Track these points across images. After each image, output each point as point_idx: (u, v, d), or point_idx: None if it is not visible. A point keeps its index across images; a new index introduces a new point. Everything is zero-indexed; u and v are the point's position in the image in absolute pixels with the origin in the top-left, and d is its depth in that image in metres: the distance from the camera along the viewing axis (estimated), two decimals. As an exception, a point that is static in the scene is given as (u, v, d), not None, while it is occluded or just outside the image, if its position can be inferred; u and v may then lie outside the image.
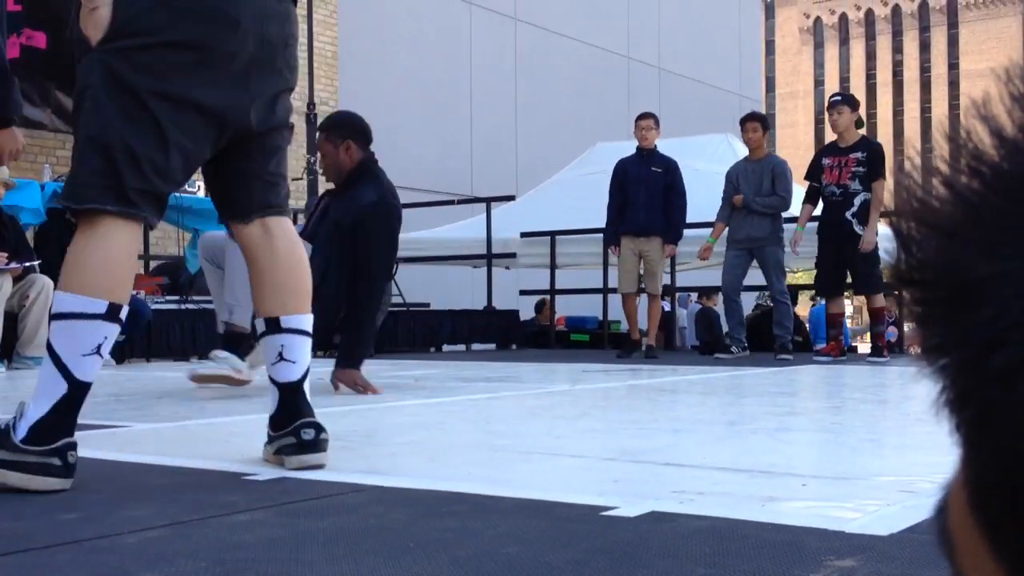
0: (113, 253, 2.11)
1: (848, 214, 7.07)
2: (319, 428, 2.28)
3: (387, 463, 2.40)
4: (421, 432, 3.07)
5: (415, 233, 11.91)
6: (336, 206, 4.53)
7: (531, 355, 8.63)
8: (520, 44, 17.89)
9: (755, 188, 7.65)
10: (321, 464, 2.26)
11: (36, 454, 2.00)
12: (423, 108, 15.83)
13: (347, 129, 4.62)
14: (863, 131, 7.34)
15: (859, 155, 7.10)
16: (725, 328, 8.78)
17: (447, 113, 16.34)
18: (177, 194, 7.93)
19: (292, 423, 2.27)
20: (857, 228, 7.02)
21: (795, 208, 7.86)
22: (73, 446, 2.05)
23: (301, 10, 13.74)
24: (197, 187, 8.36)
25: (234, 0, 2.18)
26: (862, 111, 7.42)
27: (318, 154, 4.67)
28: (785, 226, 7.89)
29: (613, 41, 19.72)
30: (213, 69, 2.17)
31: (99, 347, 2.10)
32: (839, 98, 7.37)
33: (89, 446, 2.59)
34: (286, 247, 2.34)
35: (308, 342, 2.36)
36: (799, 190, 7.93)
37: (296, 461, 2.24)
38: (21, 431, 2.02)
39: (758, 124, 7.74)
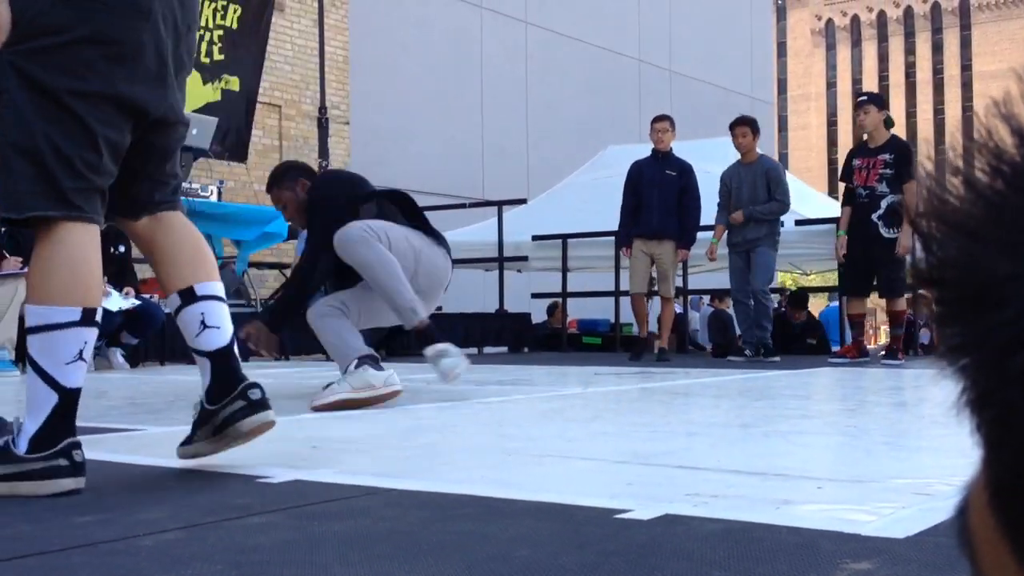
0: (75, 257, 2.09)
1: (874, 216, 7.02)
2: (261, 387, 2.27)
3: (400, 466, 2.40)
4: (434, 435, 3.07)
5: (427, 236, 11.91)
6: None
7: (543, 358, 8.63)
8: (531, 47, 17.91)
9: (749, 191, 7.68)
10: (273, 422, 2.29)
11: (41, 459, 2.01)
12: (434, 112, 15.86)
13: (292, 172, 4.63)
14: (893, 130, 7.24)
15: (887, 156, 7.03)
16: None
17: (458, 116, 16.36)
18: (189, 199, 7.99)
19: (235, 387, 2.24)
20: (883, 231, 6.98)
21: (799, 208, 7.87)
22: (77, 445, 2.05)
23: (312, 15, 13.76)
24: (211, 191, 8.39)
25: None
26: (877, 113, 7.37)
27: (285, 204, 4.55)
28: (782, 229, 7.93)
29: (624, 43, 19.72)
30: (129, 62, 2.13)
31: (81, 352, 2.09)
32: (865, 98, 7.31)
33: (103, 449, 2.60)
34: (182, 227, 2.33)
35: (226, 308, 2.34)
36: (799, 188, 7.92)
37: (253, 422, 2.23)
38: (22, 446, 2.02)
39: (747, 128, 7.74)
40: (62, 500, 1.96)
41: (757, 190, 7.66)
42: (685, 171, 7.79)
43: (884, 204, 6.97)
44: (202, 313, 2.26)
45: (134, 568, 1.40)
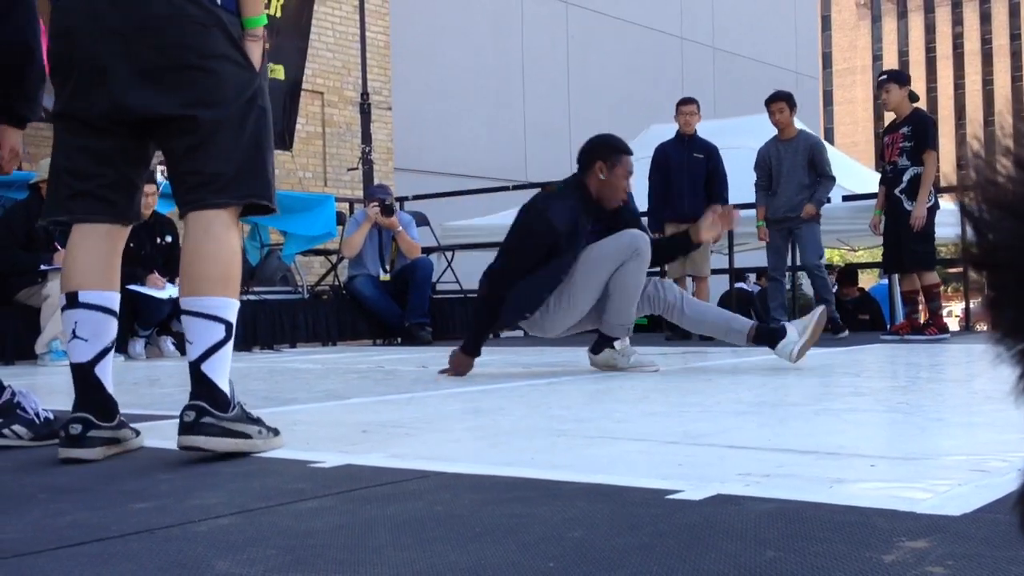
0: (72, 253, 2.42)
1: (897, 191, 7.06)
2: (200, 410, 2.24)
3: (450, 449, 2.41)
4: (482, 418, 3.08)
5: (470, 220, 11.93)
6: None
7: (589, 339, 8.61)
8: (572, 28, 17.82)
9: (789, 168, 7.60)
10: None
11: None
12: (476, 95, 15.85)
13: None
14: (917, 103, 7.24)
15: (906, 130, 7.04)
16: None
17: (500, 99, 16.34)
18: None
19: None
20: (906, 204, 7.00)
21: (845, 183, 7.81)
22: (77, 420, 2.30)
23: (353, 1, 13.77)
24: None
25: (66, 10, 2.37)
26: (921, 86, 7.35)
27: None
28: (829, 206, 7.89)
29: (666, 22, 19.56)
30: (68, 80, 2.38)
31: (73, 332, 2.35)
32: (885, 76, 7.30)
33: (157, 436, 2.63)
34: (191, 236, 2.34)
35: (202, 323, 2.28)
36: (845, 163, 7.85)
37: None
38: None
39: (784, 104, 7.66)
40: (118, 487, 1.99)
41: (797, 167, 7.59)
42: (711, 153, 7.75)
43: (906, 178, 7.00)
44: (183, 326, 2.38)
45: (191, 553, 1.42)
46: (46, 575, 1.35)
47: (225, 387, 2.28)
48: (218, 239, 2.33)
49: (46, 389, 4.57)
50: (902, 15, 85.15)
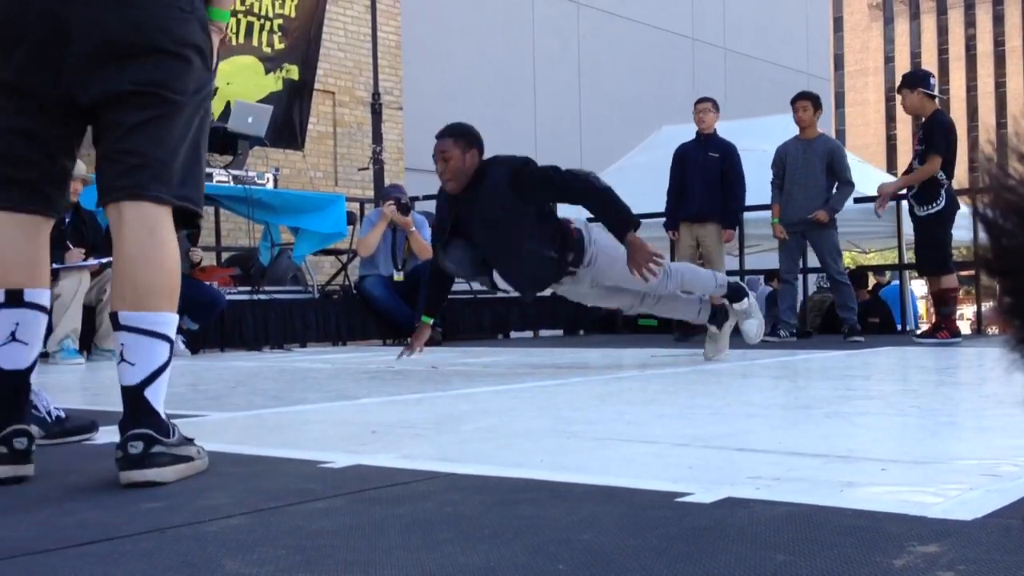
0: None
1: (910, 196, 7.07)
2: (149, 440, 2.00)
3: (459, 450, 2.41)
4: (492, 419, 3.08)
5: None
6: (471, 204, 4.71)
7: (599, 340, 8.61)
8: (583, 28, 17.80)
9: (804, 168, 7.56)
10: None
11: None
12: (486, 95, 15.85)
13: (471, 137, 4.93)
14: (937, 105, 7.15)
15: (921, 134, 7.02)
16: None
17: (511, 99, 16.34)
18: (247, 186, 8.07)
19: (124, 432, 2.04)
20: (917, 210, 6.98)
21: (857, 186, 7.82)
22: (20, 433, 2.03)
23: (365, 1, 13.79)
24: (267, 179, 8.46)
25: None
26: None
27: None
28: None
29: (677, 22, 19.53)
30: (21, 41, 2.06)
31: (12, 334, 2.07)
32: (900, 83, 7.26)
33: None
34: (132, 235, 2.07)
35: (147, 342, 2.06)
36: (856, 166, 7.84)
37: (129, 477, 1.98)
38: None
39: (809, 103, 7.63)
40: (129, 487, 1.99)
41: (813, 168, 7.54)
42: (728, 152, 7.74)
43: (916, 184, 6.98)
44: (122, 344, 2.08)
45: (202, 553, 1.42)
46: (56, 574, 1.35)
47: (163, 410, 2.08)
48: (164, 245, 2.09)
49: (58, 387, 4.58)
50: (914, 16, 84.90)
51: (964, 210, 7.75)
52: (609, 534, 1.47)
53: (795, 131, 7.74)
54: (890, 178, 10.96)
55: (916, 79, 7.16)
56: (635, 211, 9.93)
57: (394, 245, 8.51)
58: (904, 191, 7.15)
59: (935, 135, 6.87)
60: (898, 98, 7.20)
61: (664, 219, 8.19)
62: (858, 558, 1.30)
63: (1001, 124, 78.14)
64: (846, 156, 7.78)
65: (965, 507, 1.57)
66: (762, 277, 12.99)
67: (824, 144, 7.63)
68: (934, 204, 6.90)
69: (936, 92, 7.12)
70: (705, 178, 7.67)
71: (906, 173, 7.19)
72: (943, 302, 7.14)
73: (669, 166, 8.12)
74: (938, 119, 7.01)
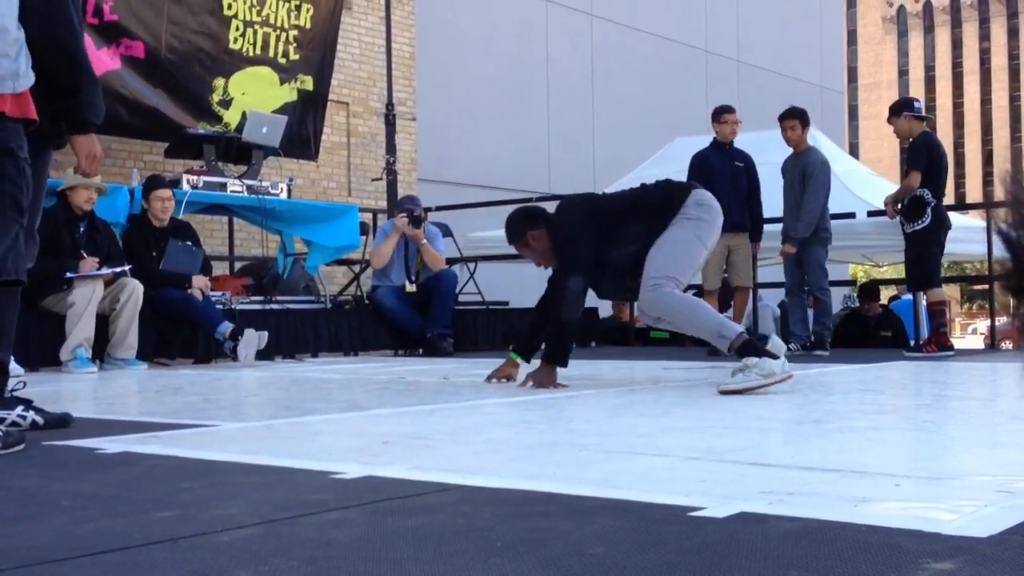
0: None
1: (899, 212, 7.32)
2: None
3: (471, 462, 2.41)
4: (504, 431, 3.08)
5: (493, 231, 11.92)
6: None
7: (610, 352, 8.60)
8: (596, 40, 17.83)
9: (788, 184, 7.72)
10: None
11: None
12: (500, 106, 15.87)
13: (520, 227, 4.76)
14: (928, 126, 7.55)
15: (907, 154, 7.32)
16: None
17: (524, 111, 16.35)
18: (260, 196, 8.09)
19: None
20: (905, 226, 7.22)
21: (870, 199, 7.86)
22: None
23: (379, 12, 13.81)
24: (281, 189, 8.49)
25: None
26: (947, 101, 7.45)
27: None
28: (848, 221, 7.93)
29: (691, 35, 19.54)
30: None
31: None
32: (888, 113, 7.50)
33: (180, 445, 2.64)
34: None
35: None
36: (870, 179, 7.89)
37: None
38: None
39: (796, 121, 7.69)
40: (143, 496, 2.00)
41: (795, 184, 7.65)
42: (750, 163, 7.73)
43: (906, 199, 7.22)
44: None
45: (213, 564, 1.42)
46: (70, 583, 1.35)
47: None
48: None
49: (70, 396, 4.60)
50: (928, 30, 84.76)
51: (975, 224, 7.81)
52: (621, 548, 1.47)
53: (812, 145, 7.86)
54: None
55: (900, 106, 7.49)
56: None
57: (407, 256, 8.52)
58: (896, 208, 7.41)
59: (916, 153, 7.17)
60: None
61: None
62: (873, 574, 1.30)
63: (1016, 138, 77.88)
64: (818, 174, 7.67)
65: (980, 524, 1.56)
66: (765, 293, 12.95)
67: (804, 158, 7.69)
68: (920, 221, 7.13)
69: (923, 112, 7.44)
70: (735, 187, 7.63)
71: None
72: (931, 315, 7.34)
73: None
74: (920, 139, 7.28)
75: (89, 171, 3.15)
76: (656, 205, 4.70)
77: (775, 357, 4.17)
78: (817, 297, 7.72)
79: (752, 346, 4.20)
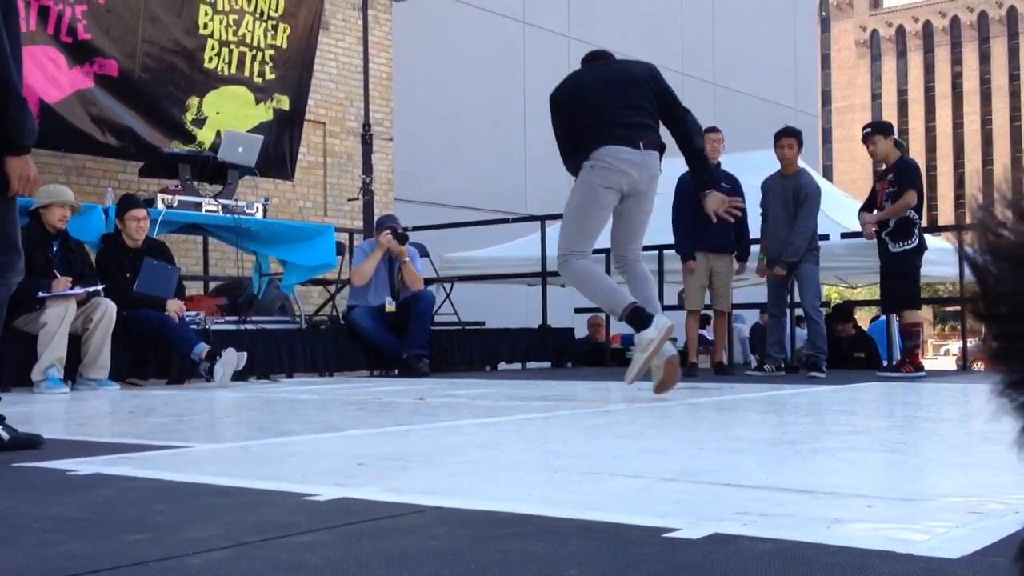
0: None
1: (884, 234, 7.33)
2: None
3: (446, 483, 2.40)
4: (479, 452, 3.07)
5: (470, 252, 11.94)
6: None
7: (586, 373, 8.60)
8: (573, 61, 17.85)
9: (781, 204, 7.74)
10: None
11: None
12: (477, 127, 15.90)
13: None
14: (904, 150, 7.63)
15: (892, 177, 7.34)
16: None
17: (501, 131, 16.40)
18: (236, 215, 8.06)
19: None
20: (892, 247, 7.26)
21: (843, 221, 7.88)
22: None
23: (357, 32, 13.82)
24: (256, 209, 8.46)
25: None
26: (919, 125, 7.54)
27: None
28: (822, 243, 7.97)
29: (667, 57, 19.63)
30: None
31: None
32: (870, 129, 7.53)
33: (152, 467, 2.62)
34: None
35: None
36: (843, 201, 7.94)
37: None
38: None
39: (793, 140, 7.77)
40: (114, 519, 1.98)
41: (788, 204, 7.69)
42: (736, 185, 7.77)
43: (892, 222, 7.27)
44: None
45: (185, 586, 1.41)
46: (38, 607, 1.34)
47: None
48: None
49: (42, 417, 4.55)
50: (901, 54, 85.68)
51: (948, 246, 7.93)
52: (595, 569, 1.46)
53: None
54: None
55: (887, 127, 7.55)
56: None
57: (391, 275, 8.50)
58: (875, 228, 7.33)
59: (911, 173, 7.25)
60: (865, 147, 7.45)
61: (676, 250, 8.13)
62: (845, 596, 1.30)
63: (987, 162, 78.68)
64: (814, 199, 7.76)
65: (951, 545, 1.57)
66: (742, 313, 13.01)
67: (799, 182, 7.76)
68: (909, 241, 7.21)
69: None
70: None
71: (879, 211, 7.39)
72: (906, 336, 7.38)
73: (659, 199, 8.11)
74: (909, 161, 7.41)
75: (24, 193, 3.15)
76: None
77: (646, 326, 4.80)
78: (811, 318, 7.70)
79: (638, 315, 4.85)
